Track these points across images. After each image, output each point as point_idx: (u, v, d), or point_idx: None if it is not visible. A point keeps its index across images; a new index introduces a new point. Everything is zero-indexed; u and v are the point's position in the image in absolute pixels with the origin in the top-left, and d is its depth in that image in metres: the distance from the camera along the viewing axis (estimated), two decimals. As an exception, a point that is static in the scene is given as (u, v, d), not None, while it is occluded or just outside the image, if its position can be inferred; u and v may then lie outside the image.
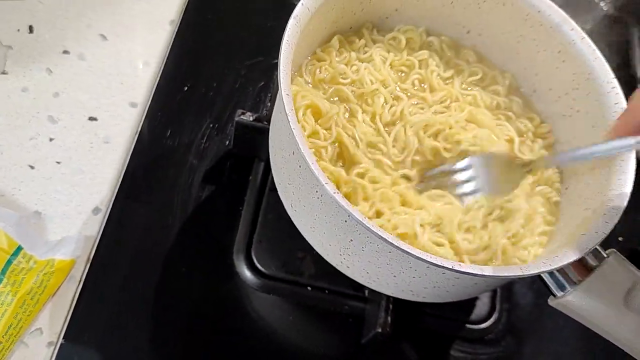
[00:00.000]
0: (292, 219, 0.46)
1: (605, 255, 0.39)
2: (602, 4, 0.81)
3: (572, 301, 0.39)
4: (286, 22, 0.42)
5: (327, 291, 0.53)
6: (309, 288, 0.53)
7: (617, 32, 0.80)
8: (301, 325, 0.53)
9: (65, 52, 0.60)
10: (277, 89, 0.39)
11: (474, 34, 0.54)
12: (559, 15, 0.49)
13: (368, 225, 0.35)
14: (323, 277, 0.53)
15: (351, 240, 0.40)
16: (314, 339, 0.52)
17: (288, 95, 0.38)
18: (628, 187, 0.42)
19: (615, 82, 0.46)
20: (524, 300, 0.57)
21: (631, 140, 0.38)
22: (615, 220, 0.40)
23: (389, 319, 0.48)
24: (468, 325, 0.55)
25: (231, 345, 0.50)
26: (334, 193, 0.36)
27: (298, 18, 0.42)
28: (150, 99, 0.60)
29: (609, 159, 0.43)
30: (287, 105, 0.38)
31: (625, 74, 0.74)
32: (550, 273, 0.39)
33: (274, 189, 0.56)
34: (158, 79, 0.61)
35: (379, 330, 0.48)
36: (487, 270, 0.36)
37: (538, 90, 0.53)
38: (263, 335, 0.51)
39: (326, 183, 0.36)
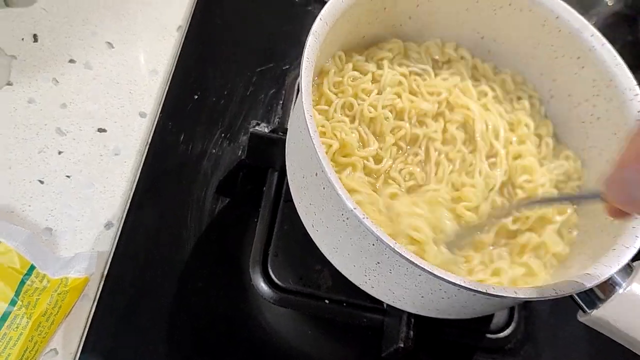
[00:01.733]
0: (313, 238, 0.45)
1: (634, 268, 0.38)
2: (609, 1, 0.80)
3: (602, 317, 0.38)
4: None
5: (345, 304, 0.52)
6: (326, 301, 0.52)
7: (625, 30, 0.79)
8: (319, 339, 0.52)
9: (72, 61, 0.59)
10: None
11: (488, 40, 0.53)
12: (579, 21, 0.48)
13: (399, 251, 0.34)
14: (341, 290, 0.52)
15: (378, 262, 0.39)
16: (332, 353, 0.52)
17: (311, 116, 0.37)
18: None
19: (637, 89, 0.45)
20: (541, 307, 0.57)
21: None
22: None
23: (412, 333, 0.48)
24: (487, 335, 0.54)
25: (247, 359, 0.49)
26: (364, 218, 0.35)
27: (317, 34, 0.41)
28: (160, 108, 0.58)
29: None
30: (310, 128, 0.37)
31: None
32: None
33: (289, 200, 0.55)
34: (167, 87, 0.60)
35: (401, 345, 0.47)
36: (521, 293, 0.35)
37: (556, 96, 0.52)
38: (280, 350, 0.50)
39: (355, 208, 0.35)
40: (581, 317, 0.40)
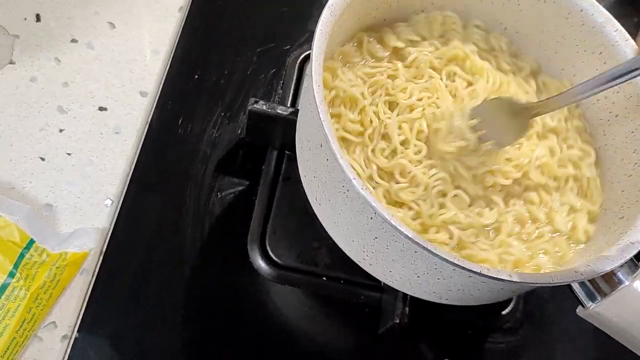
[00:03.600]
0: (316, 212, 0.45)
1: (639, 266, 0.38)
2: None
3: (601, 313, 0.38)
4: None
5: (342, 281, 0.52)
6: (324, 278, 0.52)
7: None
8: (316, 315, 0.52)
9: (74, 40, 0.59)
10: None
11: (511, 32, 0.52)
12: (603, 14, 0.46)
13: (395, 224, 0.34)
14: (339, 267, 0.52)
15: (376, 237, 0.39)
16: (330, 330, 0.52)
17: (319, 86, 0.37)
18: None
19: None
20: (540, 288, 0.56)
21: None
22: None
23: (407, 309, 0.48)
24: (486, 314, 0.54)
25: (245, 335, 0.50)
26: (362, 189, 0.35)
27: (332, 7, 0.41)
28: (160, 87, 0.59)
29: None
30: (317, 96, 0.37)
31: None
32: (581, 283, 0.38)
33: (287, 178, 0.55)
34: (168, 67, 0.60)
35: (397, 321, 0.47)
36: (516, 277, 0.35)
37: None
38: (278, 326, 0.51)
39: (354, 178, 0.35)
40: (580, 312, 0.39)
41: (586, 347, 0.54)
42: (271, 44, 0.63)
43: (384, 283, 0.51)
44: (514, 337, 0.54)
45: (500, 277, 0.35)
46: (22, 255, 0.45)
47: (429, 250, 0.34)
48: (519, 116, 0.43)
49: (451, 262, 0.34)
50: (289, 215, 0.54)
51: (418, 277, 0.40)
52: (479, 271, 0.34)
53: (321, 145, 0.39)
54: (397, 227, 0.34)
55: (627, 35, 0.46)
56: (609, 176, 0.47)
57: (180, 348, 0.49)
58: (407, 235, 0.34)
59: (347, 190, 0.38)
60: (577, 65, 0.49)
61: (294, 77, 0.61)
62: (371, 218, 0.38)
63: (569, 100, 0.43)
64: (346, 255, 0.45)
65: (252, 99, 0.51)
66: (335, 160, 0.35)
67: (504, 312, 0.54)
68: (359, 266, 0.45)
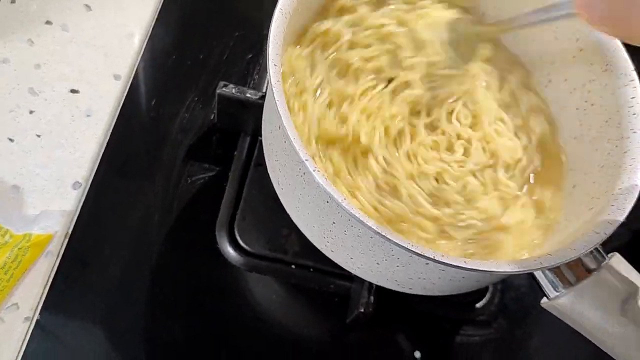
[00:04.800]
0: (280, 197, 0.44)
1: (606, 258, 0.37)
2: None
3: (564, 304, 0.37)
4: None
5: (312, 269, 0.51)
6: (293, 266, 0.51)
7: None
8: (285, 304, 0.52)
9: (48, 22, 0.59)
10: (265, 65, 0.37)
11: (489, 19, 0.51)
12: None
13: (347, 209, 0.33)
14: (308, 255, 0.51)
15: (333, 222, 0.38)
16: (299, 318, 0.51)
17: (275, 65, 0.36)
18: (636, 187, 0.39)
19: (634, 75, 0.43)
20: (518, 282, 0.55)
21: None
22: (620, 220, 0.37)
23: (372, 298, 0.47)
24: (459, 306, 0.53)
25: (213, 322, 0.49)
26: (313, 170, 0.34)
27: None
28: (134, 71, 0.58)
29: (619, 156, 0.41)
30: (273, 77, 0.36)
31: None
32: (544, 272, 0.37)
33: (259, 164, 0.55)
34: (142, 51, 0.59)
35: (362, 310, 0.47)
36: (472, 264, 0.34)
37: (553, 81, 0.50)
38: (246, 313, 0.50)
39: (306, 160, 0.34)
40: (544, 304, 0.38)
41: (561, 342, 0.53)
42: (249, 29, 0.63)
43: (352, 272, 0.51)
44: (488, 331, 0.53)
45: (455, 264, 0.34)
46: (-17, 236, 0.45)
47: (380, 234, 0.33)
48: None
49: (403, 247, 0.33)
50: (260, 202, 0.53)
51: (378, 264, 0.40)
52: (433, 257, 0.34)
53: (279, 127, 0.38)
54: (349, 210, 0.34)
55: None
56: (583, 167, 0.47)
57: (144, 333, 0.48)
58: (359, 219, 0.34)
59: (303, 174, 0.37)
60: (554, 52, 0.49)
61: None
62: (327, 202, 0.37)
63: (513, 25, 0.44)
64: (314, 243, 0.44)
65: (222, 83, 0.51)
66: (289, 141, 0.35)
67: (478, 305, 0.54)
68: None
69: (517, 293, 0.55)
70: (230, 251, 0.51)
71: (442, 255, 0.34)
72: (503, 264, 0.36)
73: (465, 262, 0.34)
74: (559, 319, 0.39)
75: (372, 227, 0.34)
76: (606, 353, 0.38)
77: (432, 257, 0.34)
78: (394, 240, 0.33)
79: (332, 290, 0.51)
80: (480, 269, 0.35)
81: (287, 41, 0.43)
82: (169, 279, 0.50)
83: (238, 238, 0.51)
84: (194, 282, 0.50)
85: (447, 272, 0.38)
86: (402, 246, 0.33)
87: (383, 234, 0.33)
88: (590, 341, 0.38)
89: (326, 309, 0.51)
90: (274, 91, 0.36)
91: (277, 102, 0.35)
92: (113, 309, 0.48)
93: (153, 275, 0.50)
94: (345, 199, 0.34)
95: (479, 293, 0.54)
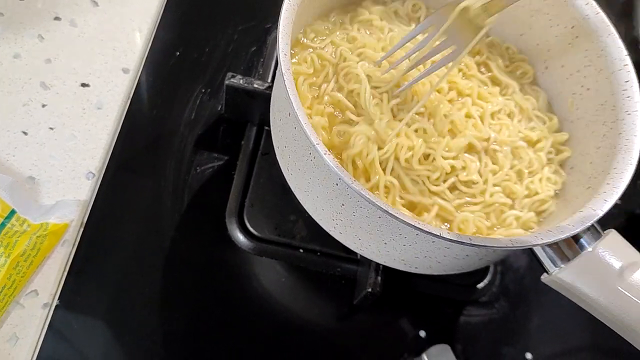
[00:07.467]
0: (288, 182, 0.46)
1: (602, 234, 0.39)
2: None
3: (564, 278, 0.39)
4: None
5: (319, 253, 0.53)
6: (301, 250, 0.53)
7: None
8: (294, 287, 0.53)
9: (57, 18, 0.60)
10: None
11: None
12: None
13: (357, 189, 0.35)
14: (315, 239, 0.53)
15: (342, 204, 0.40)
16: (307, 301, 0.53)
17: (286, 55, 0.38)
18: (631, 166, 0.41)
19: (627, 60, 0.45)
20: (518, 263, 0.57)
21: None
22: (615, 198, 0.39)
23: (379, 279, 0.49)
24: (461, 287, 0.55)
25: (224, 306, 0.51)
26: (325, 154, 0.36)
27: None
28: (143, 64, 0.59)
29: (614, 137, 0.43)
30: (283, 66, 0.38)
31: (628, 37, 0.73)
32: (544, 249, 0.39)
33: (266, 153, 0.56)
34: (150, 44, 0.61)
35: (369, 290, 0.48)
36: (476, 240, 0.36)
37: (550, 67, 0.52)
38: (256, 297, 0.52)
39: (317, 144, 0.36)
40: (544, 279, 0.40)
41: (559, 321, 0.55)
42: (252, 22, 0.64)
43: (360, 255, 0.52)
44: (490, 311, 0.55)
45: (460, 241, 0.36)
46: (2, 225, 0.46)
47: (388, 213, 0.35)
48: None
49: (410, 224, 0.35)
50: (267, 189, 0.55)
51: (385, 244, 0.41)
52: (438, 234, 0.35)
53: (289, 114, 0.40)
54: (360, 191, 0.35)
55: (598, 9, 0.47)
56: (580, 149, 0.48)
57: (158, 317, 0.50)
58: (369, 199, 0.35)
59: (314, 158, 0.39)
60: (551, 39, 0.51)
61: (275, 55, 0.62)
62: (336, 184, 0.39)
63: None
64: (322, 228, 0.46)
65: (229, 74, 0.52)
66: (300, 127, 0.36)
67: (479, 286, 0.55)
68: (334, 239, 0.46)
69: (517, 275, 0.57)
70: (239, 237, 0.53)
71: (448, 233, 0.36)
72: (504, 241, 0.37)
73: (470, 238, 0.36)
74: (558, 299, 0.41)
75: (381, 206, 0.35)
76: (603, 329, 0.39)
77: (437, 234, 0.35)
78: (402, 218, 0.35)
79: (339, 273, 0.53)
80: (482, 244, 0.36)
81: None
82: (181, 264, 0.51)
83: (247, 224, 0.53)
84: (206, 267, 0.52)
85: (451, 250, 0.40)
86: (409, 224, 0.35)
87: (392, 212, 0.35)
88: (587, 320, 0.40)
89: (333, 292, 0.53)
90: (285, 79, 0.37)
91: (288, 89, 0.37)
92: (128, 293, 0.50)
93: (166, 261, 0.51)
94: (354, 181, 0.36)
95: (480, 275, 0.56)
